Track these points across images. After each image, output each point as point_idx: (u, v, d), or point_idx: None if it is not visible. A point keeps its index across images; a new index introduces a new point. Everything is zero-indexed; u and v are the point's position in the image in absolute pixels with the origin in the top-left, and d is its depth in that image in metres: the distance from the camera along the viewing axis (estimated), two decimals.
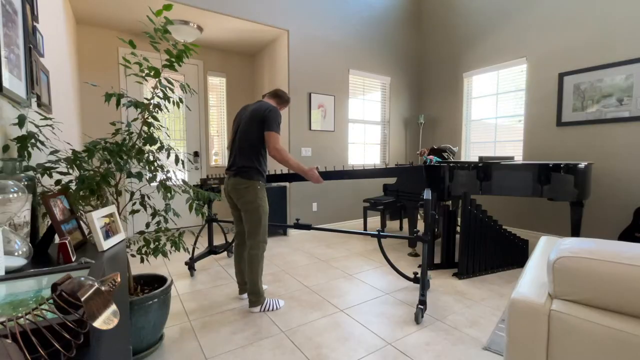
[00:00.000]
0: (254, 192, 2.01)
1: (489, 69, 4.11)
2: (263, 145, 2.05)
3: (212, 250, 3.04)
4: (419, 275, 2.29)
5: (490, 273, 2.69)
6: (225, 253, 3.25)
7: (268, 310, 2.08)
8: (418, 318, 1.93)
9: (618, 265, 0.84)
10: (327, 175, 2.28)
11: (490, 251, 2.70)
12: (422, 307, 1.96)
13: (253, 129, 2.02)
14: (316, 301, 2.22)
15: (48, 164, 1.24)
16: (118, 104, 1.51)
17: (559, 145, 3.49)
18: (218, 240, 3.67)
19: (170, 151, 1.68)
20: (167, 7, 1.44)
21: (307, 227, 2.39)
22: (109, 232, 1.12)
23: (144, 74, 1.53)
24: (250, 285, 2.06)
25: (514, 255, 2.81)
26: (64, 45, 2.63)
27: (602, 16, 3.12)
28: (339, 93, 4.26)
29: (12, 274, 0.72)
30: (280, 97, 2.24)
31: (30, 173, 1.10)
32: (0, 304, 0.60)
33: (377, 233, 2.26)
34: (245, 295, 2.27)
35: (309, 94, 3.99)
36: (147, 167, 1.56)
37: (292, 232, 4.06)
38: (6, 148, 1.14)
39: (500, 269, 2.75)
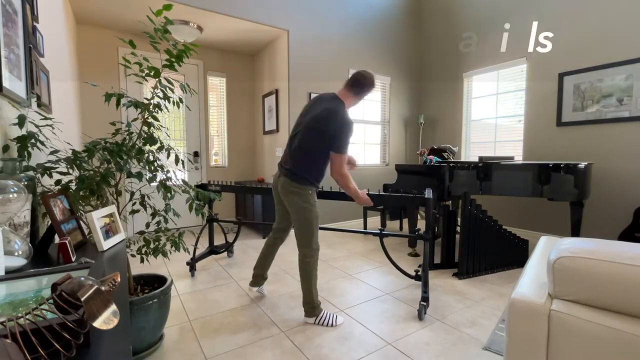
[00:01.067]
0: (305, 196, 1.85)
1: (489, 69, 4.10)
2: (323, 159, 1.86)
3: (212, 250, 3.04)
4: (420, 272, 2.29)
5: (490, 273, 2.69)
6: (225, 253, 3.24)
7: (323, 324, 1.89)
8: (421, 314, 1.94)
9: (618, 265, 0.84)
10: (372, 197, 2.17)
11: (490, 251, 2.69)
12: (424, 303, 1.97)
13: (315, 141, 1.80)
14: None
15: (48, 164, 1.24)
16: (118, 104, 1.51)
17: (559, 145, 3.49)
18: (218, 240, 3.67)
19: (170, 151, 1.68)
20: (167, 7, 1.45)
21: None
22: (109, 232, 1.12)
23: (144, 74, 1.53)
24: (304, 294, 1.94)
25: (514, 255, 2.81)
26: (64, 45, 2.63)
27: (602, 16, 3.12)
28: None
29: (12, 274, 0.72)
30: (360, 85, 1.86)
31: (30, 173, 1.10)
32: (0, 304, 0.60)
33: (379, 232, 2.27)
34: (256, 289, 2.25)
35: (309, 94, 3.99)
36: (147, 167, 1.56)
37: (292, 231, 4.05)
38: (6, 148, 1.14)
39: (500, 269, 2.75)
